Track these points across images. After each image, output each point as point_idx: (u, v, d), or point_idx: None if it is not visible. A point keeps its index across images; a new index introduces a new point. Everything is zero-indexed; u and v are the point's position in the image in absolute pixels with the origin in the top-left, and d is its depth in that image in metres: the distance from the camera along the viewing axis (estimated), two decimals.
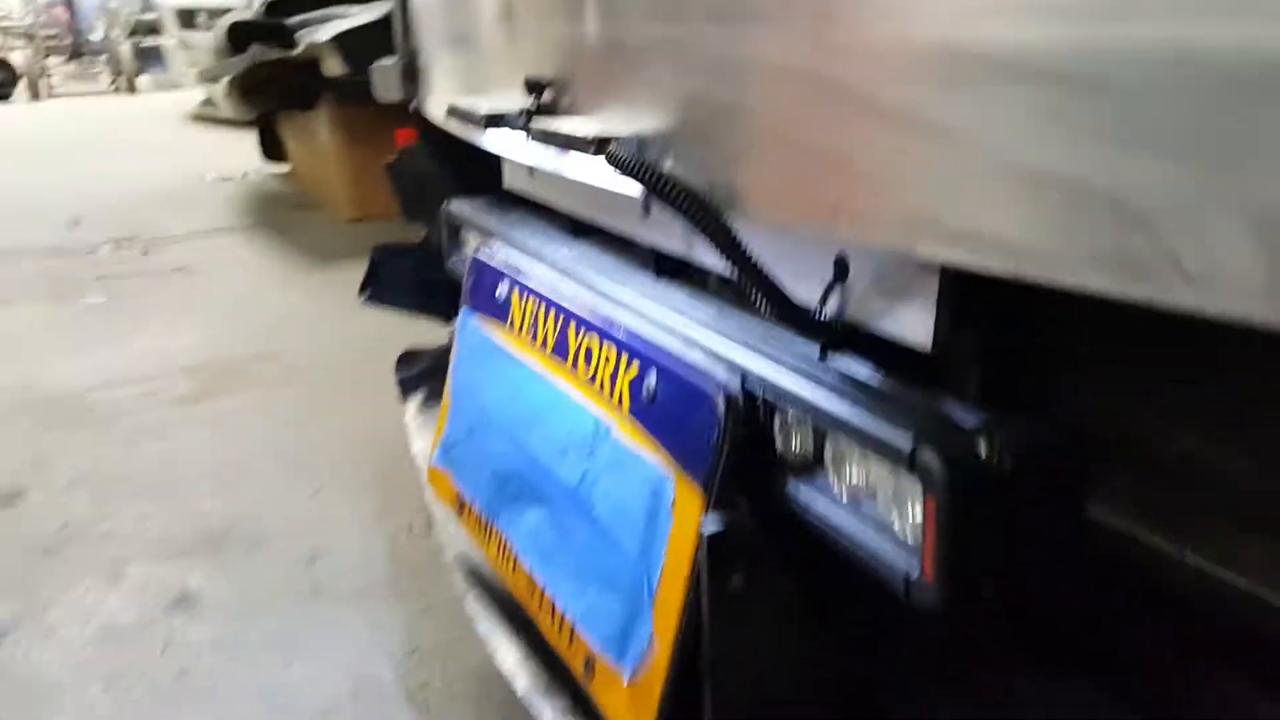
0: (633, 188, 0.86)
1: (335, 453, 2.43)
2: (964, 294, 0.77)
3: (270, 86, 4.93)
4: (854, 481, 0.80)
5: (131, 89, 10.67)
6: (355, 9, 4.05)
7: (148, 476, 2.33)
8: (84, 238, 4.59)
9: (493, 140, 1.20)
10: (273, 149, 5.75)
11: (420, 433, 1.74)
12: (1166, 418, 0.73)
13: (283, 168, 5.89)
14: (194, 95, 8.81)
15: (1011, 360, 0.81)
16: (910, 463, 0.71)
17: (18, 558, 2.02)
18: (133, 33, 10.91)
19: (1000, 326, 0.80)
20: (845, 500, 0.81)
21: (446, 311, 1.73)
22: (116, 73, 10.85)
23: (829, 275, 0.87)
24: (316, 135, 4.93)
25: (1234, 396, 0.70)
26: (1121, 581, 0.83)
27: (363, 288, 1.94)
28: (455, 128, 1.34)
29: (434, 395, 1.80)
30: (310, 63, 3.93)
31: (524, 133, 1.03)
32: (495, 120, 1.06)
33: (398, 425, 2.39)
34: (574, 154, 0.95)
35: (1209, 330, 0.58)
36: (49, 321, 3.48)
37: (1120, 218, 0.53)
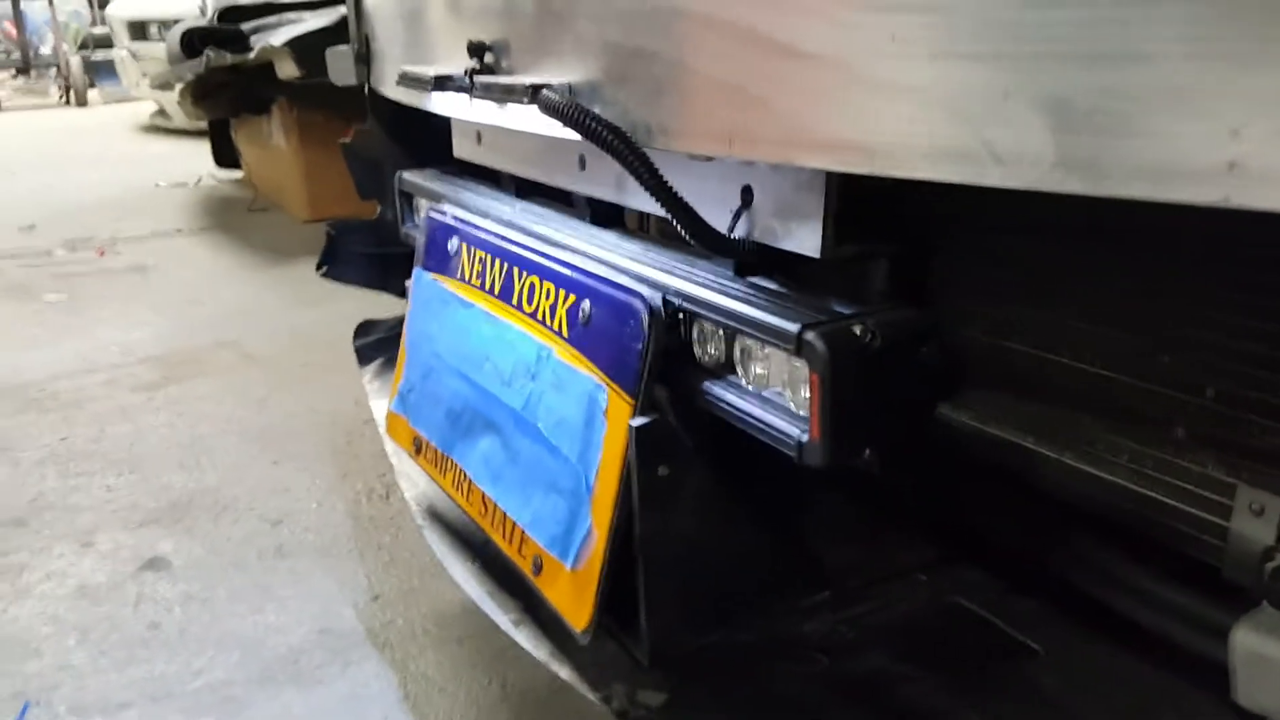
0: (565, 132, 0.98)
1: (295, 429, 2.52)
2: (846, 211, 0.91)
3: (224, 91, 5.00)
4: (757, 373, 0.93)
5: (82, 102, 10.61)
6: (308, 15, 4.14)
7: (113, 454, 2.41)
8: (39, 242, 4.62)
9: (440, 102, 1.32)
10: (225, 156, 5.78)
11: (378, 396, 1.84)
12: (1041, 333, 0.87)
13: (236, 174, 5.94)
14: (146, 107, 8.81)
15: (896, 266, 0.95)
16: (797, 345, 0.84)
17: None
18: (83, 46, 10.86)
19: (883, 238, 0.94)
20: (750, 390, 0.94)
21: (401, 286, 1.84)
22: (66, 86, 10.77)
23: (738, 203, 1.00)
24: (271, 139, 5.00)
25: (1102, 317, 0.83)
26: (1005, 482, 0.96)
27: (320, 263, 2.04)
28: (405, 95, 1.45)
29: (390, 363, 1.90)
30: (264, 67, 4.01)
31: (468, 92, 1.15)
32: (442, 82, 1.18)
33: (355, 404, 2.50)
34: (513, 106, 1.07)
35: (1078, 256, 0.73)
36: (10, 318, 3.53)
37: (949, 116, 0.66)
